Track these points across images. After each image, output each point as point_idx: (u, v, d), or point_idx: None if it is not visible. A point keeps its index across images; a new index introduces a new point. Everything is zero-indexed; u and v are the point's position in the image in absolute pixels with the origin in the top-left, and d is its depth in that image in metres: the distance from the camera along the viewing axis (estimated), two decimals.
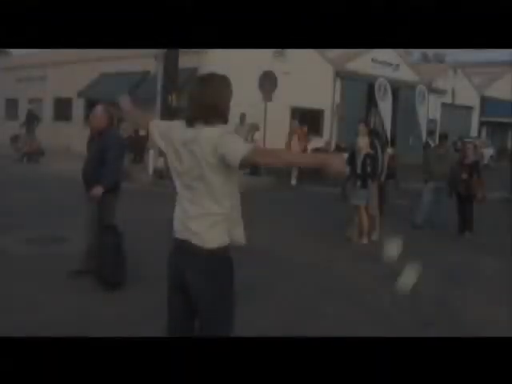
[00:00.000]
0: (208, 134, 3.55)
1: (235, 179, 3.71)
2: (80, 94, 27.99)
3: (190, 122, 3.65)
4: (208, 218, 3.65)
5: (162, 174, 17.17)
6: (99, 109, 7.58)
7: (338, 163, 3.34)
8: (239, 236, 3.78)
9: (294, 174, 19.70)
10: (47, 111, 31.35)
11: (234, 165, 3.46)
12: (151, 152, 19.57)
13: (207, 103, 3.64)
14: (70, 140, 26.73)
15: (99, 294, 7.08)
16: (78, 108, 29.18)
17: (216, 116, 3.64)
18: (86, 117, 25.55)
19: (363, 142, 10.96)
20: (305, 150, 21.15)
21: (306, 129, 21.67)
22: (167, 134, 3.80)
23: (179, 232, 3.78)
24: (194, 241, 3.67)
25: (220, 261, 3.70)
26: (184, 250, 3.74)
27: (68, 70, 29.03)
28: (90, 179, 7.40)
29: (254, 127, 20.44)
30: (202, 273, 3.67)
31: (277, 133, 22.02)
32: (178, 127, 3.75)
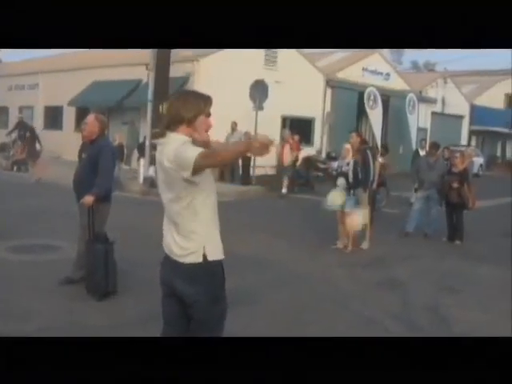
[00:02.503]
0: (170, 146, 3.70)
1: (210, 192, 3.79)
2: (71, 103, 27.95)
3: (160, 133, 3.80)
4: (187, 235, 3.76)
5: (153, 183, 17.15)
6: (91, 117, 7.61)
7: (261, 142, 3.44)
8: (217, 251, 3.83)
9: (285, 183, 19.73)
10: (38, 119, 31.26)
11: (187, 175, 3.58)
12: (141, 161, 19.55)
13: (171, 113, 3.82)
14: (61, 148, 26.67)
15: (90, 302, 7.06)
16: (69, 116, 29.13)
17: (180, 124, 3.76)
18: (77, 125, 25.54)
19: (347, 150, 10.99)
20: (296, 159, 21.18)
21: (297, 138, 21.71)
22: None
23: (164, 245, 3.91)
24: (176, 257, 3.78)
25: (207, 270, 3.76)
26: (171, 261, 3.84)
27: (59, 78, 28.98)
28: (81, 187, 7.39)
29: (246, 136, 20.47)
30: (189, 282, 3.75)
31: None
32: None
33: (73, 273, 7.64)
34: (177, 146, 3.65)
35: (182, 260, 3.76)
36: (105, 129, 7.74)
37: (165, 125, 3.81)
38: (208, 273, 3.76)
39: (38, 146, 21.06)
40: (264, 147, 3.43)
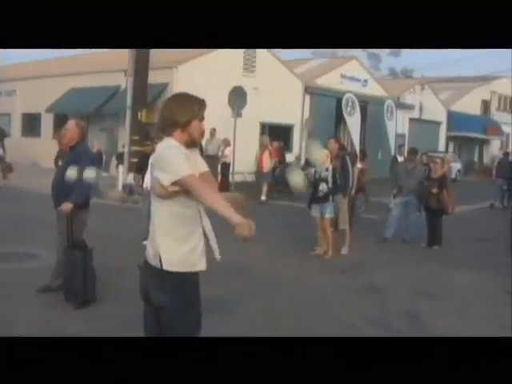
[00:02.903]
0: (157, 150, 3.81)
1: (186, 205, 3.78)
2: (49, 109, 27.79)
3: (158, 137, 3.87)
4: (152, 238, 3.80)
5: (132, 190, 17.09)
6: (71, 123, 7.57)
7: (243, 229, 3.58)
8: (177, 263, 3.81)
9: (264, 189, 19.73)
10: (15, 126, 31.04)
11: (165, 181, 3.63)
12: (120, 168, 19.49)
13: (166, 117, 3.83)
14: (39, 155, 26.49)
15: (69, 310, 7.00)
16: (47, 123, 28.94)
17: (175, 129, 3.77)
18: (56, 132, 25.37)
19: (325, 156, 10.99)
20: (275, 166, 21.17)
21: (277, 144, 21.75)
22: None
23: (146, 251, 3.90)
24: (154, 263, 3.77)
25: (173, 277, 3.75)
26: (148, 268, 3.84)
27: (37, 85, 28.78)
28: (60, 194, 7.33)
29: (225, 142, 20.48)
30: (156, 286, 3.76)
31: (247, 148, 22.09)
32: None
33: (51, 281, 7.58)
34: (166, 149, 3.71)
35: (149, 261, 3.82)
36: (85, 135, 7.70)
37: (159, 128, 3.83)
38: (175, 280, 3.75)
39: (0, 151, 20.82)
40: (245, 235, 3.59)
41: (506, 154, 23.33)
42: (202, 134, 3.89)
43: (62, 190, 7.33)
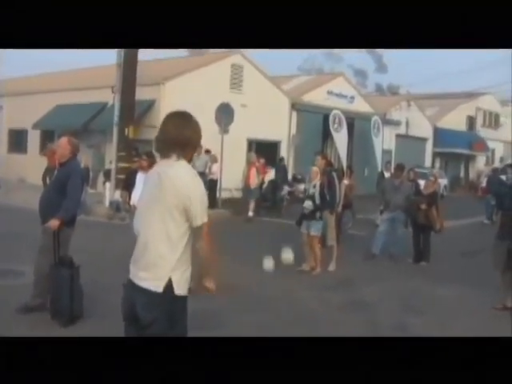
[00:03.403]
0: (182, 176, 3.74)
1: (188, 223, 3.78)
2: (35, 126, 27.72)
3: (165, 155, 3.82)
4: (178, 266, 3.75)
5: (118, 207, 17.05)
6: (64, 140, 7.54)
7: (210, 283, 3.91)
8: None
9: (251, 206, 19.73)
10: (2, 142, 30.92)
11: (195, 224, 3.71)
12: (107, 184, 19.45)
13: (180, 135, 3.75)
14: (26, 172, 26.39)
15: (55, 328, 6.95)
16: (34, 139, 28.85)
17: (189, 151, 3.78)
18: (42, 148, 25.29)
19: (315, 172, 11.03)
20: (262, 182, 21.22)
21: (263, 161, 21.78)
22: None
23: (134, 272, 3.86)
24: (154, 285, 3.73)
25: (176, 300, 3.75)
26: (136, 288, 3.80)
27: (24, 101, 28.73)
28: (48, 210, 7.28)
29: (213, 159, 20.48)
30: (153, 311, 3.72)
31: (234, 165, 22.09)
32: None
33: (31, 299, 7.43)
34: (195, 179, 3.78)
35: (138, 282, 3.79)
36: (76, 152, 7.64)
37: (169, 147, 3.74)
38: (169, 301, 3.73)
39: None
40: (210, 288, 3.88)
41: (496, 170, 23.45)
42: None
43: (49, 206, 7.28)
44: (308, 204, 10.85)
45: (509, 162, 31.97)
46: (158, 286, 3.69)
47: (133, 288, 3.80)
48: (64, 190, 7.23)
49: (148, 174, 4.29)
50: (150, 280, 3.72)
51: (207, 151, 20.06)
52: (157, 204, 3.72)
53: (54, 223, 7.13)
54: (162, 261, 3.70)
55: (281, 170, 23.48)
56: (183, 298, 3.80)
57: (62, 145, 7.48)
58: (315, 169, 11.10)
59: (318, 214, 10.86)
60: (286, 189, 22.44)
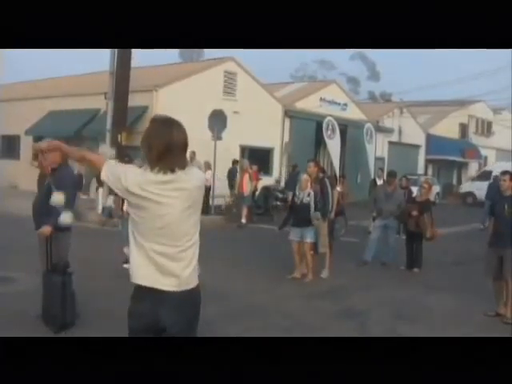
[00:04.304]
0: (198, 174, 3.83)
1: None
2: (28, 132, 27.67)
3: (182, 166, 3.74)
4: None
5: (111, 213, 17.02)
6: None
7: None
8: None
9: (244, 213, 19.75)
10: None
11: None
12: (100, 190, 19.41)
13: (183, 144, 3.70)
14: (18, 178, 26.33)
15: (49, 334, 6.93)
16: (27, 146, 28.78)
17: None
18: (35, 155, 25.19)
19: (305, 180, 11.04)
20: (255, 189, 21.26)
21: (256, 167, 21.79)
22: None
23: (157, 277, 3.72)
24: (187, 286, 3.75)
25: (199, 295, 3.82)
26: (160, 295, 3.67)
27: (16, 107, 28.68)
28: (41, 216, 7.23)
29: (206, 165, 20.48)
30: (176, 310, 3.67)
31: (226, 171, 22.10)
32: None
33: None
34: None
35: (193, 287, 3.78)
36: (67, 158, 7.55)
37: (180, 157, 3.66)
38: (197, 298, 3.84)
39: None
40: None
41: (496, 178, 23.47)
42: None
43: (43, 212, 7.22)
44: (305, 212, 10.82)
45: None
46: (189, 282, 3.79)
47: (155, 296, 3.69)
48: None
49: None
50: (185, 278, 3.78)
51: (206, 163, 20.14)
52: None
53: (45, 230, 7.10)
54: (194, 257, 3.88)
55: (294, 177, 23.45)
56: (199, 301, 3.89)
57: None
58: (305, 177, 11.11)
59: (314, 221, 10.85)
60: (279, 196, 22.47)
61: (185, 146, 3.68)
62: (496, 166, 35.12)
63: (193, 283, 3.76)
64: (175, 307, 3.65)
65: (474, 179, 36.98)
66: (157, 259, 3.64)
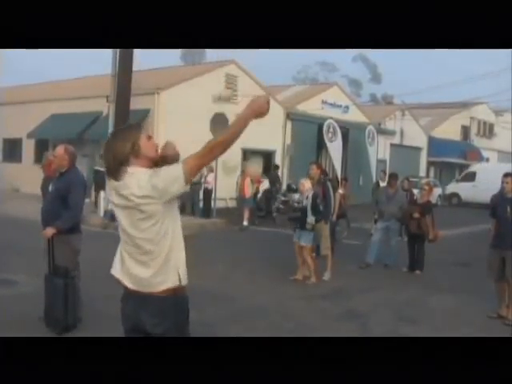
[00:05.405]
0: (136, 181, 3.61)
1: (175, 218, 3.76)
2: (30, 135, 27.72)
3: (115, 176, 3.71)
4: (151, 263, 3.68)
5: (113, 216, 16.98)
6: (60, 149, 7.35)
7: (260, 104, 3.94)
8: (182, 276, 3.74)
9: (246, 215, 19.75)
10: None
11: (181, 188, 3.58)
12: (102, 193, 19.42)
13: (113, 157, 3.69)
14: (20, 181, 26.37)
15: (52, 336, 6.93)
16: (29, 149, 28.86)
17: (129, 161, 3.68)
18: (37, 157, 25.29)
19: (306, 183, 11.04)
20: (257, 191, 21.26)
21: (259, 170, 21.80)
22: None
23: (135, 279, 3.76)
24: (142, 289, 3.69)
25: (171, 301, 3.68)
26: (137, 296, 3.71)
27: (18, 111, 28.74)
28: (50, 221, 7.17)
29: (208, 169, 20.49)
30: (154, 315, 3.64)
31: (229, 174, 22.12)
32: None
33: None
34: (147, 177, 3.57)
35: (140, 288, 3.69)
36: (75, 161, 7.45)
37: (116, 167, 3.65)
38: (172, 301, 3.69)
39: None
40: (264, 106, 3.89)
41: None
42: (157, 148, 3.85)
43: (51, 216, 7.19)
44: (304, 215, 10.82)
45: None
46: (175, 281, 3.73)
47: (134, 297, 3.74)
48: (65, 200, 7.13)
49: None
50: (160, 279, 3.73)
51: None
52: None
53: (48, 232, 7.08)
54: (180, 252, 3.78)
55: (272, 177, 23.47)
56: (180, 304, 3.78)
57: (59, 155, 7.29)
58: (303, 181, 11.13)
59: (308, 226, 10.84)
60: (280, 199, 22.46)
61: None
62: (479, 168, 35.42)
63: (157, 287, 3.68)
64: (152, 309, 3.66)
65: (458, 180, 37.08)
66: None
